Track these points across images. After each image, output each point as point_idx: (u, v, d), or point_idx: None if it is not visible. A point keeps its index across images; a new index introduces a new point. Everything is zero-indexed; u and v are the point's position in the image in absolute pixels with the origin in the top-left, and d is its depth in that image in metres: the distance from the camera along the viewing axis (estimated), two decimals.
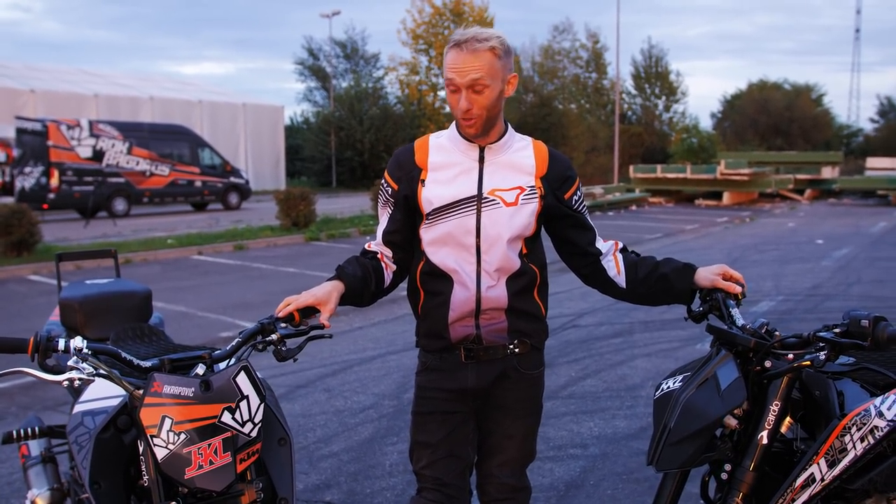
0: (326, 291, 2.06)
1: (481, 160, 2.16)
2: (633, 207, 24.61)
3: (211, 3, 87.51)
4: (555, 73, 48.62)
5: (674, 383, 2.00)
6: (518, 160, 2.19)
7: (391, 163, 2.26)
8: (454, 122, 2.19)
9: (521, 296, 2.20)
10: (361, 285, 2.17)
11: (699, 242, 14.75)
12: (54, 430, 2.57)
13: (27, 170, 20.17)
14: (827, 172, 29.84)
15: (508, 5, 77.11)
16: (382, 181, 2.27)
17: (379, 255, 2.28)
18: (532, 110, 44.25)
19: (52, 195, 19.79)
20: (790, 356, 1.87)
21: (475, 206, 2.14)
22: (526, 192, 2.16)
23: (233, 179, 24.31)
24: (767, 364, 1.90)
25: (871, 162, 33.69)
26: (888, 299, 8.55)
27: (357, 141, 36.55)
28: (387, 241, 2.27)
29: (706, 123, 61.06)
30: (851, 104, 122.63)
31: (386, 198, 2.25)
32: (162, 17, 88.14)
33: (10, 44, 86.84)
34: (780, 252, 12.88)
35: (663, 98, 50.40)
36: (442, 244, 2.18)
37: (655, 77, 49.92)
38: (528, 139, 2.27)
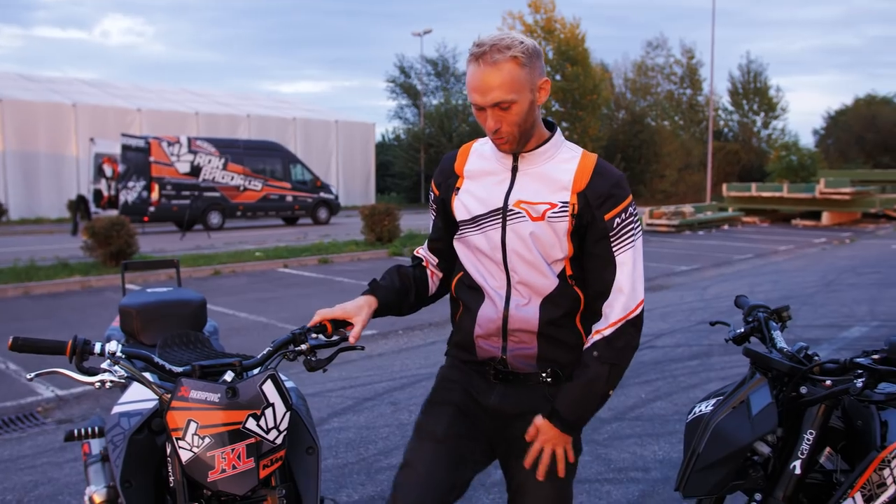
0: (357, 306, 2.05)
1: (514, 169, 2.00)
2: (726, 227, 23.83)
3: (309, 25, 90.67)
4: (647, 89, 47.86)
5: (706, 407, 1.93)
6: (555, 172, 1.97)
7: (437, 168, 2.19)
8: None
9: (557, 322, 2.00)
10: (398, 297, 2.14)
11: (792, 264, 14.13)
12: None
13: (130, 184, 21.31)
14: None
15: (601, 22, 76.52)
16: (430, 187, 2.22)
17: (425, 262, 2.25)
18: (623, 127, 43.66)
19: (152, 208, 20.85)
20: (828, 382, 1.77)
21: (500, 219, 1.99)
22: (556, 210, 1.94)
23: (322, 195, 24.97)
24: (803, 390, 1.81)
25: None
26: None
27: None
28: (431, 248, 2.24)
29: (808, 140, 58.62)
30: None
31: (431, 204, 2.22)
32: (262, 39, 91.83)
33: (123, 66, 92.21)
34: (880, 275, 12.20)
35: (762, 114, 48.77)
36: (472, 257, 2.08)
37: (754, 93, 48.39)
38: (579, 151, 2.01)
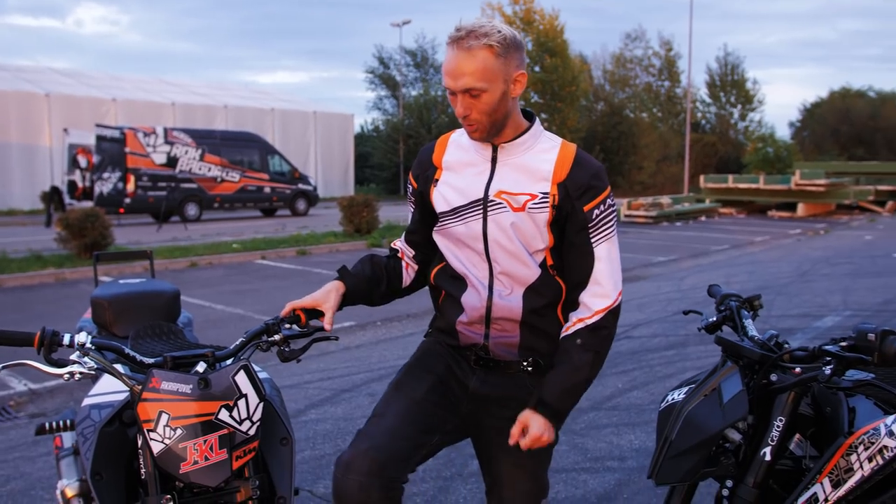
0: (325, 292, 2.05)
1: (494, 160, 1.99)
2: (703, 218, 24.02)
3: (286, 15, 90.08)
4: (626, 81, 48.04)
5: (678, 395, 1.95)
6: (535, 163, 1.96)
7: (416, 160, 2.17)
8: None
9: (540, 311, 2.01)
10: (368, 285, 2.13)
11: (768, 255, 14.29)
12: None
13: (105, 175, 21.04)
14: None
15: (580, 14, 76.57)
16: (408, 179, 2.21)
17: (400, 254, 2.23)
18: (602, 119, 43.84)
19: (127, 200, 20.61)
20: (798, 370, 1.80)
21: (481, 210, 1.98)
22: (536, 200, 1.94)
23: (301, 186, 24.84)
24: (773, 378, 1.83)
25: None
26: None
27: None
28: (408, 240, 2.23)
29: (784, 133, 59.20)
30: None
31: (409, 196, 2.21)
32: (239, 29, 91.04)
33: (98, 55, 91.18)
34: (853, 266, 12.37)
35: (739, 107, 49.17)
36: (454, 248, 2.07)
37: (731, 85, 48.75)
38: (559, 141, 2.01)
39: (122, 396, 2.02)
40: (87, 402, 2.08)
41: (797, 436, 1.89)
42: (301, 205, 24.78)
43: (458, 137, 2.10)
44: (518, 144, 1.98)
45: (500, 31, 1.84)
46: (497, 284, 2.01)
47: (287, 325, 2.03)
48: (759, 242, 16.73)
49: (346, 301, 2.10)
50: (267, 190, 23.89)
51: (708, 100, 49.74)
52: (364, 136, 44.88)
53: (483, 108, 1.87)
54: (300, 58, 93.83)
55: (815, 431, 1.90)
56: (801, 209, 24.90)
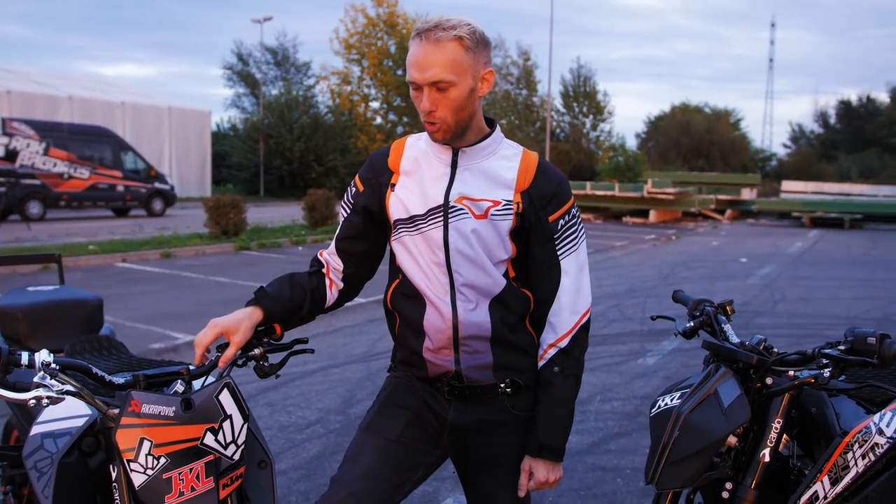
0: (237, 320, 1.83)
1: (454, 165, 1.88)
2: None
3: (133, 4, 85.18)
4: None
5: (671, 400, 1.96)
6: (497, 170, 1.88)
7: (364, 163, 2.02)
8: None
9: (510, 325, 1.89)
10: (287, 309, 1.93)
11: (629, 259, 15.02)
12: None
13: None
14: (746, 194, 31.05)
15: None
16: (351, 182, 2.02)
17: (325, 269, 2.02)
18: None
19: None
20: (791, 373, 1.85)
21: (442, 217, 1.86)
22: (499, 207, 1.85)
23: (157, 185, 23.61)
24: (768, 381, 1.88)
25: (786, 185, 35.20)
26: (813, 316, 8.87)
27: (286, 149, 36.00)
28: (339, 248, 2.02)
29: (631, 143, 62.70)
30: (765, 130, 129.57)
31: (347, 199, 2.01)
32: (79, 16, 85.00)
33: None
34: (707, 270, 13.23)
35: (591, 117, 51.50)
36: (412, 260, 1.91)
37: (583, 96, 50.95)
38: (520, 148, 1.94)
39: (79, 423, 1.78)
40: (36, 430, 1.80)
41: (784, 436, 1.95)
42: (157, 205, 23.52)
43: (416, 141, 1.97)
44: (480, 149, 1.89)
45: (469, 25, 1.78)
46: (460, 299, 1.87)
47: (264, 339, 1.87)
48: (620, 247, 17.57)
49: (262, 326, 1.90)
50: (120, 188, 22.49)
51: (562, 109, 51.79)
52: (221, 134, 43.23)
53: (450, 104, 1.78)
54: (147, 50, 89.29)
55: (800, 431, 1.98)
56: (652, 216, 26.43)
